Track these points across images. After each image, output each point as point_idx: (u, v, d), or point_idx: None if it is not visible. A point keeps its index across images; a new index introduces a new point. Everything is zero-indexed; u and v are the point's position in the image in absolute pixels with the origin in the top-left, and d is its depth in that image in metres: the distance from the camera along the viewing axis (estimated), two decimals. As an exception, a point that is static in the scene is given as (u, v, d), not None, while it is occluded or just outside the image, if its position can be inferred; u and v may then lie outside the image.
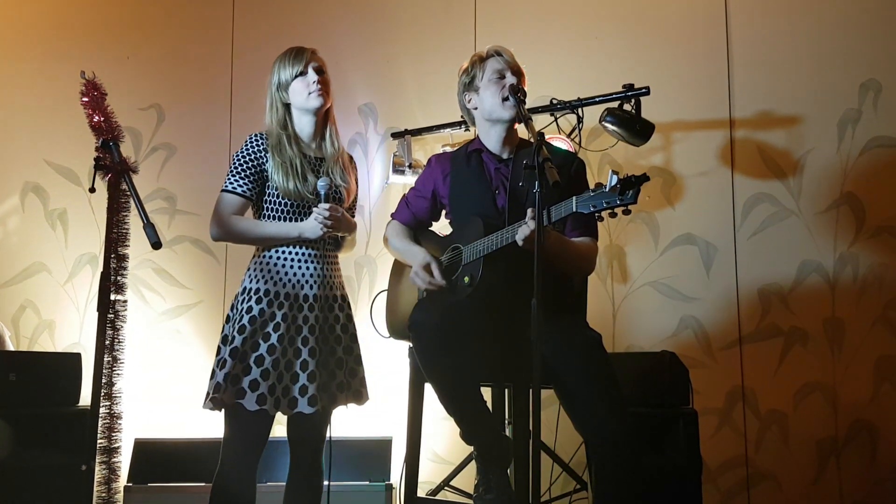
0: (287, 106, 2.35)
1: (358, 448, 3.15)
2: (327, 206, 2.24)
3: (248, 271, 2.31)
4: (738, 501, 3.32)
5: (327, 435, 2.34)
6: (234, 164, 2.30)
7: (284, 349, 2.20)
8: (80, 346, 3.63)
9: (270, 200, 2.30)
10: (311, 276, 2.29)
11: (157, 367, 3.59)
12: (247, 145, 2.32)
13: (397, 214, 2.64)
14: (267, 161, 2.29)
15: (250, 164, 2.29)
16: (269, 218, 2.30)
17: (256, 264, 2.30)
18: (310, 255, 2.30)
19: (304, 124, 2.36)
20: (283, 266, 2.27)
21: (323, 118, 2.38)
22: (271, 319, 2.21)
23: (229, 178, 2.29)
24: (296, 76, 2.31)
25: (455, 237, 2.46)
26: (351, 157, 2.49)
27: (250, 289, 2.25)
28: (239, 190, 2.28)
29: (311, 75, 2.30)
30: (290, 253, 2.29)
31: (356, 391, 2.35)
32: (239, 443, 2.19)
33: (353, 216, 2.48)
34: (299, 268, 2.28)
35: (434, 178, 2.54)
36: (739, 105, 3.54)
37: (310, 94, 2.30)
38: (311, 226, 2.25)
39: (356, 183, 2.47)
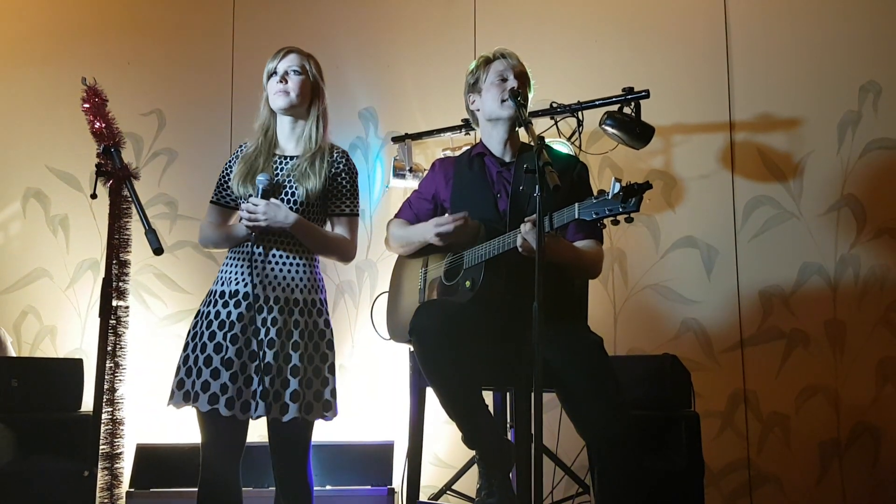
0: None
1: (360, 453, 3.15)
2: (253, 201, 2.19)
3: None
4: (741, 504, 3.32)
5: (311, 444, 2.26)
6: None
7: (217, 345, 2.15)
8: (82, 351, 3.63)
9: (238, 205, 2.33)
10: (237, 272, 2.24)
11: (158, 372, 3.58)
12: (231, 156, 2.41)
13: (400, 214, 2.64)
14: (234, 168, 2.34)
15: (224, 173, 2.39)
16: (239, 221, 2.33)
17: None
18: (243, 252, 2.25)
19: (280, 124, 2.37)
20: (226, 266, 2.30)
21: (304, 116, 2.34)
22: (216, 318, 2.19)
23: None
24: (268, 78, 2.33)
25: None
26: (345, 156, 2.34)
27: (209, 291, 2.30)
28: (214, 198, 2.39)
29: (277, 75, 2.30)
30: (232, 251, 2.32)
31: (282, 405, 2.12)
32: (210, 447, 2.17)
33: (339, 215, 2.33)
34: (232, 266, 2.27)
35: (436, 181, 2.55)
36: (739, 108, 3.54)
37: (274, 94, 2.30)
38: (240, 224, 2.25)
39: (340, 183, 2.31)
